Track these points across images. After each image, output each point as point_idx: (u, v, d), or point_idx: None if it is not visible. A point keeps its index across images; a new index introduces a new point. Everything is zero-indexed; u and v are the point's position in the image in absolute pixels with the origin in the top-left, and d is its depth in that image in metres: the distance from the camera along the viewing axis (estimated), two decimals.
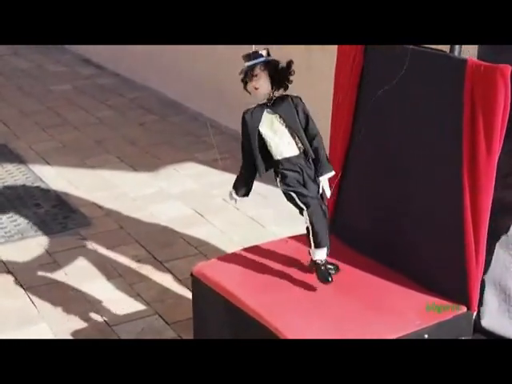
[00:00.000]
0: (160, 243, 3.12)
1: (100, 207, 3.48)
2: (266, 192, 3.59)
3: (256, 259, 2.01)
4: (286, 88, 1.77)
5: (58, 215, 3.38)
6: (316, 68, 3.51)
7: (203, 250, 3.04)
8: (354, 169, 2.02)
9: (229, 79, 4.44)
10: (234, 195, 1.89)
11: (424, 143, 1.83)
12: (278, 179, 1.79)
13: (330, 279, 1.80)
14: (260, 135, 1.78)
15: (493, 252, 1.81)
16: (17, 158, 4.10)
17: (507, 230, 2.01)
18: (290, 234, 2.12)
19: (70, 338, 2.49)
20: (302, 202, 1.79)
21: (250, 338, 1.78)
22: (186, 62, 4.84)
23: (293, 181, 1.77)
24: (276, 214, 3.32)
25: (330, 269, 1.84)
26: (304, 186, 1.78)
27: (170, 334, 2.50)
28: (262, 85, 1.75)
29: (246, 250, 2.08)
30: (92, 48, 5.88)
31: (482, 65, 1.64)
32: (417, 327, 1.70)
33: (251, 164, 1.82)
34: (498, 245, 1.96)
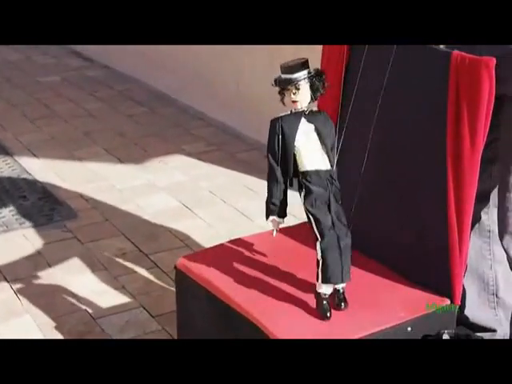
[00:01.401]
0: (146, 236, 3.10)
1: (86, 199, 3.46)
2: (253, 185, 3.60)
3: (240, 252, 2.00)
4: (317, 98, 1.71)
5: (43, 207, 3.36)
6: None
7: (189, 242, 3.03)
8: (339, 161, 2.00)
9: (218, 72, 4.44)
10: (278, 219, 1.74)
11: (410, 136, 1.82)
12: (301, 193, 1.70)
13: (328, 315, 1.69)
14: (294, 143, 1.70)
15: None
16: (3, 150, 4.07)
17: (480, 218, 2.01)
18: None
19: (54, 330, 2.48)
20: (317, 231, 1.69)
21: (232, 331, 1.78)
22: (175, 55, 4.81)
23: (317, 199, 1.69)
24: (263, 207, 3.29)
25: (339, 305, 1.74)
26: (328, 205, 1.70)
27: (154, 327, 2.49)
28: (304, 99, 1.68)
29: (230, 242, 2.07)
30: None
31: (467, 57, 1.63)
32: (400, 320, 1.70)
33: (284, 171, 1.71)
34: (472, 233, 1.95)
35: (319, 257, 1.68)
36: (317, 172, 1.70)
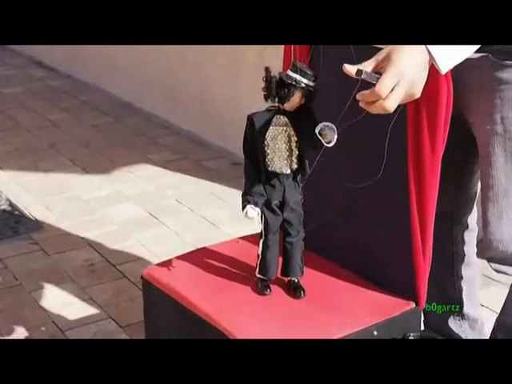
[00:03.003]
0: (113, 246, 3.09)
1: (52, 211, 3.45)
2: (220, 193, 3.61)
3: (207, 260, 2.00)
4: None
5: (9, 220, 3.34)
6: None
7: (157, 252, 3.03)
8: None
9: (182, 80, 4.45)
10: (254, 207, 1.71)
11: (371, 140, 1.84)
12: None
13: (267, 291, 1.80)
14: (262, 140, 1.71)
15: None
16: None
17: (442, 240, 2.03)
18: (244, 235, 2.11)
19: None
20: (263, 229, 1.78)
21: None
22: (138, 63, 4.81)
23: (271, 200, 1.74)
24: (230, 215, 3.32)
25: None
26: (281, 208, 1.75)
27: (123, 337, 2.48)
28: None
29: (196, 251, 2.07)
30: (44, 50, 5.82)
31: None
32: (366, 324, 1.71)
33: (256, 166, 1.74)
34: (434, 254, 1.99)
35: (259, 252, 1.80)
36: (276, 174, 1.72)
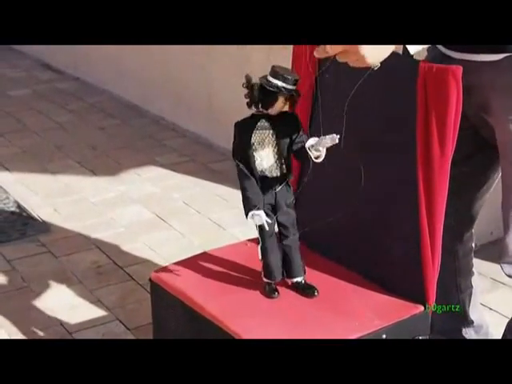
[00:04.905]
0: (120, 248, 3.10)
1: (59, 213, 3.45)
2: (226, 195, 3.61)
3: (215, 263, 2.00)
4: None
5: (16, 222, 3.34)
6: None
7: (164, 254, 3.03)
8: (312, 168, 2.01)
9: (189, 83, 4.45)
10: (257, 212, 1.72)
11: (379, 145, 1.84)
12: None
13: (274, 295, 1.81)
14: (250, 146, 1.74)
15: None
16: None
17: (445, 258, 2.03)
18: (251, 237, 2.11)
19: None
20: (258, 234, 1.79)
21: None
22: (145, 66, 4.82)
23: (263, 201, 1.75)
24: (237, 217, 3.31)
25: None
26: (274, 209, 1.76)
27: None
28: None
29: (204, 253, 2.07)
30: (51, 52, 5.83)
31: (434, 66, 1.65)
32: (375, 327, 1.71)
33: (249, 171, 1.76)
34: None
35: (260, 257, 1.81)
36: (266, 178, 1.75)
